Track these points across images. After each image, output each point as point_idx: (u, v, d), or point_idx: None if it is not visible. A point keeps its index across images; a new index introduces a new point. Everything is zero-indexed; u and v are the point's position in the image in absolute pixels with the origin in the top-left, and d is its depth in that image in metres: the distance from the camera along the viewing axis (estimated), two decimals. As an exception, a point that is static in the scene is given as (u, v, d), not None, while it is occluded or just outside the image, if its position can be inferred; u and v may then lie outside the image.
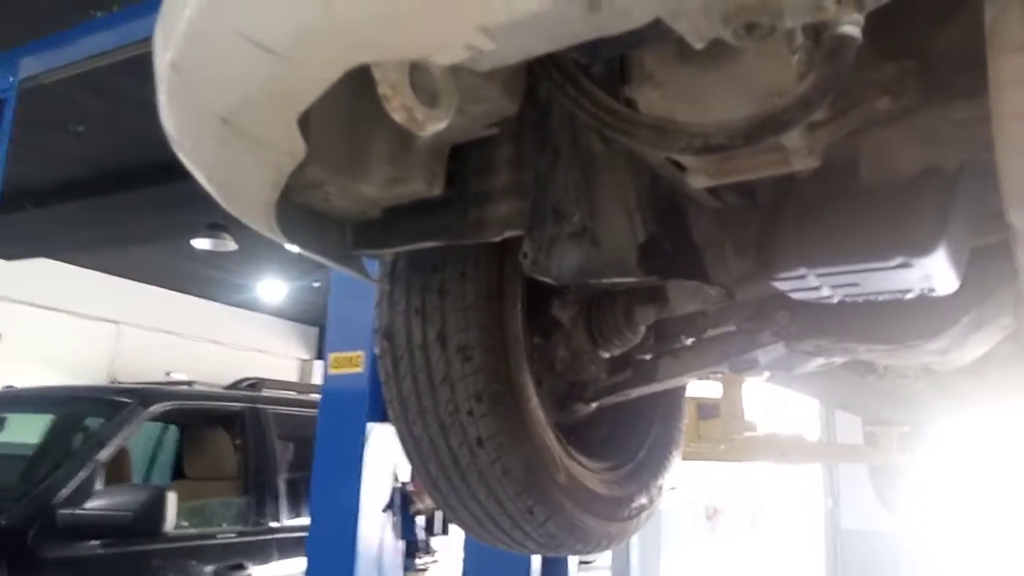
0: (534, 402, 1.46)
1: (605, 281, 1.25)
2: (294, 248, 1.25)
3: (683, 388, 2.04)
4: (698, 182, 1.10)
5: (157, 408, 4.40)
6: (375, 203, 1.28)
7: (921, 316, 1.45)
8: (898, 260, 1.10)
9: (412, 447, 1.48)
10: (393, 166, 1.23)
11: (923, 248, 1.09)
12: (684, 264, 1.35)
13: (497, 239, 1.24)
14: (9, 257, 9.84)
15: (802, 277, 1.18)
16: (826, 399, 3.13)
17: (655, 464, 1.85)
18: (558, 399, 1.69)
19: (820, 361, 1.70)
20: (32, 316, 10.32)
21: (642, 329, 1.70)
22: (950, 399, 2.51)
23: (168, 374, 11.01)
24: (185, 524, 4.35)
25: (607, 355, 1.73)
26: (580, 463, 1.57)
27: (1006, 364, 2.09)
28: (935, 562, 7.82)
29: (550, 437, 1.48)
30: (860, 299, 1.28)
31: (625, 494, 1.69)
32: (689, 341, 1.76)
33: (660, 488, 1.82)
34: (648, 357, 1.83)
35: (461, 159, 1.31)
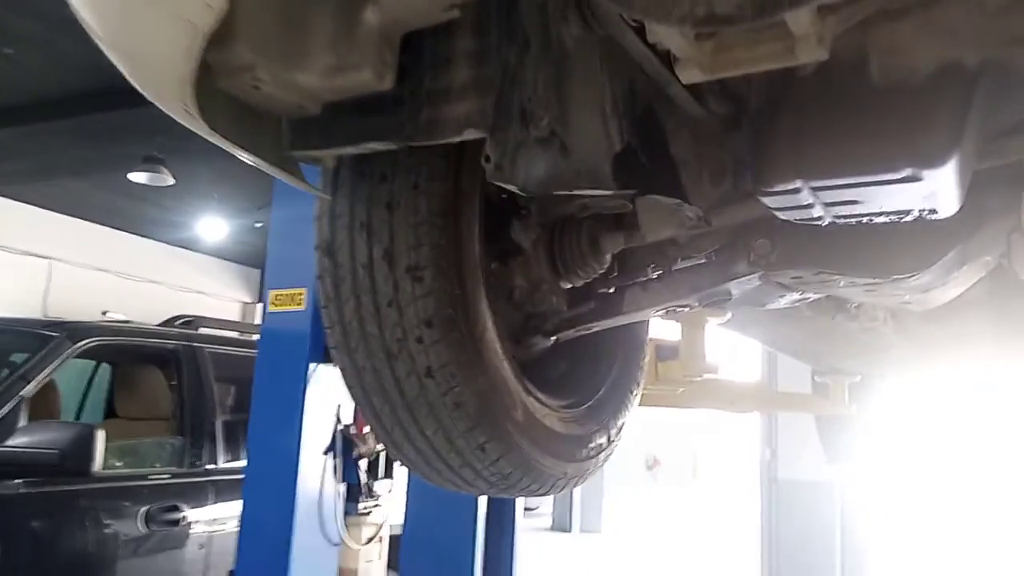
0: (490, 331, 1.32)
1: (576, 192, 1.11)
2: (221, 142, 1.08)
3: (646, 325, 1.93)
4: (689, 75, 0.96)
5: (85, 343, 4.17)
6: (314, 96, 1.12)
7: (907, 248, 1.36)
8: (906, 171, 0.98)
9: (354, 377, 1.34)
10: (336, 52, 1.06)
11: (935, 158, 0.97)
12: (662, 179, 1.22)
13: (455, 140, 1.09)
14: (-67, 186, 9.33)
15: (796, 191, 1.06)
16: (782, 345, 3.07)
17: (615, 403, 1.74)
18: (515, 331, 1.56)
19: (794, 297, 1.60)
20: (-42, 250, 9.83)
21: (608, 258, 1.58)
22: (912, 346, 2.46)
23: (104, 313, 10.62)
24: (118, 464, 4.18)
25: (568, 286, 1.60)
26: (537, 399, 1.45)
27: (971, 311, 2.02)
28: (869, 512, 8.02)
29: (506, 370, 1.36)
30: (853, 221, 1.17)
31: (584, 433, 1.58)
32: (656, 274, 1.64)
33: (620, 428, 1.71)
34: (611, 290, 1.71)
35: (415, 51, 1.14)
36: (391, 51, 1.10)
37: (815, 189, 1.04)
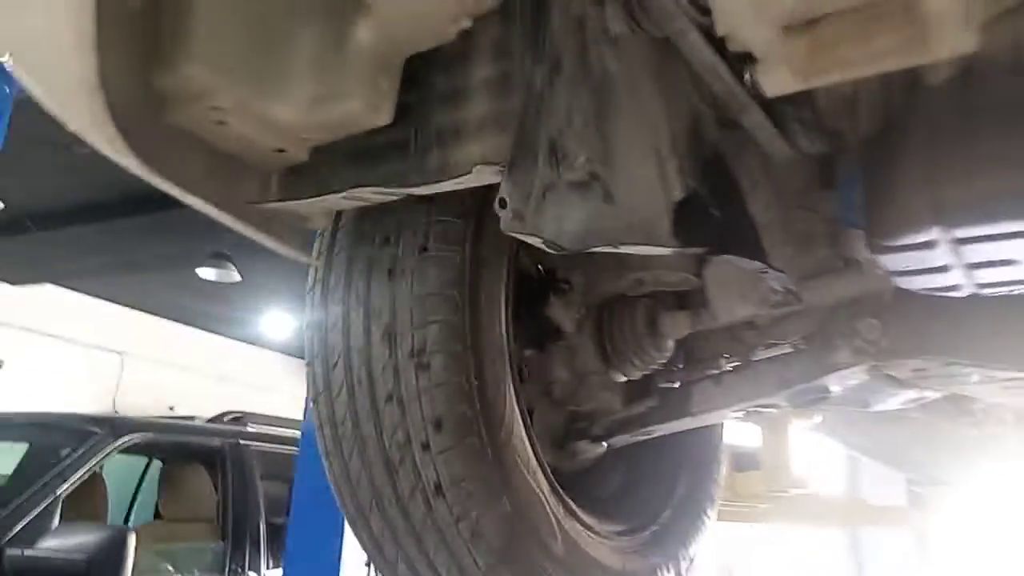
0: (520, 435, 1.04)
1: (623, 249, 0.84)
2: (172, 189, 0.86)
3: (720, 428, 1.61)
4: (776, 83, 0.70)
5: (128, 439, 4.00)
6: (297, 135, 0.89)
7: None
8: None
9: (347, 493, 1.07)
10: (320, 79, 0.84)
11: None
12: (737, 237, 0.94)
13: (464, 182, 0.84)
14: (13, 282, 9.56)
15: (930, 246, 0.77)
16: (878, 452, 2.67)
17: (685, 527, 1.41)
18: (555, 435, 1.26)
19: (910, 396, 1.27)
20: (35, 343, 9.99)
21: (670, 344, 1.29)
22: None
23: (171, 409, 10.61)
24: (167, 568, 3.95)
25: (623, 378, 1.31)
26: (584, 524, 1.14)
27: None
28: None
29: (542, 486, 1.06)
30: (1000, 292, 0.87)
31: (645, 568, 1.25)
32: (731, 366, 1.34)
33: (692, 560, 1.38)
34: (676, 385, 1.41)
35: (422, 83, 0.92)
36: (388, 78, 0.88)
37: (957, 242, 0.75)
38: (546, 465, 1.09)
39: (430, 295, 0.98)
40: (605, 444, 1.29)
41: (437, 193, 0.99)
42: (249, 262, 8.31)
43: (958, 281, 0.84)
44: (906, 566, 3.94)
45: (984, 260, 0.78)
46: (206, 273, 8.61)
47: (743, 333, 1.27)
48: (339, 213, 1.08)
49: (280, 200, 0.94)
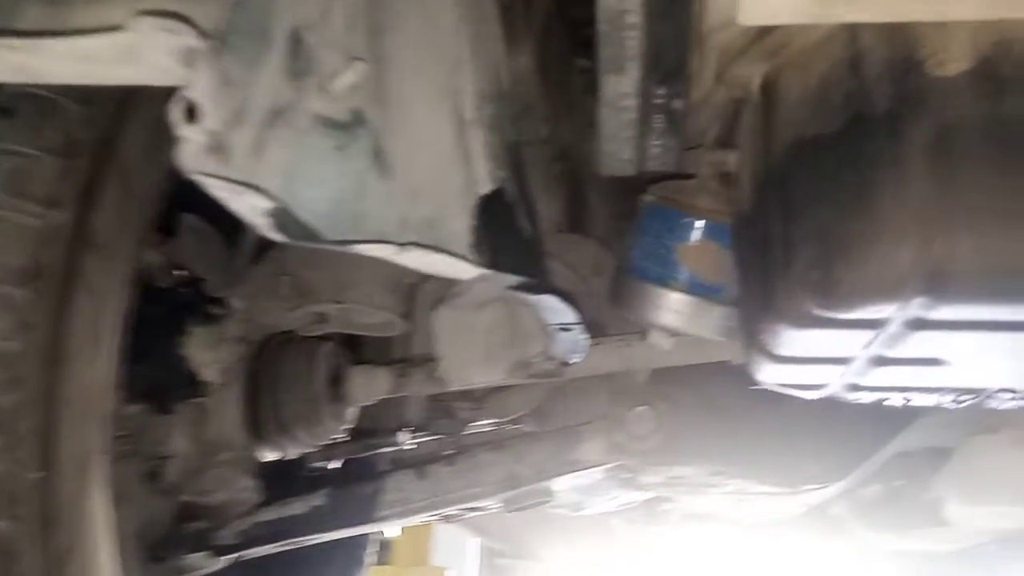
0: (102, 550, 0.58)
1: (404, 258, 0.45)
2: None
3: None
4: (759, 6, 0.37)
5: None
6: None
7: (831, 449, 0.89)
8: None
9: None
10: None
11: None
12: (542, 269, 0.61)
13: (99, 43, 0.39)
14: None
15: (874, 326, 0.50)
16: (492, 530, 2.50)
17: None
18: (153, 540, 0.79)
19: (628, 498, 1.04)
20: None
21: (351, 413, 0.90)
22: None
23: None
24: None
25: (273, 456, 0.88)
26: None
27: None
28: None
29: None
30: (852, 400, 0.65)
31: None
32: (416, 442, 0.98)
33: None
34: (332, 466, 1.02)
35: None
36: None
37: (914, 325, 0.49)
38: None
39: None
40: (229, 557, 0.84)
41: (25, 98, 0.52)
42: None
43: (836, 379, 0.60)
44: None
45: (912, 356, 0.54)
46: None
47: (454, 404, 0.92)
48: None
49: None
